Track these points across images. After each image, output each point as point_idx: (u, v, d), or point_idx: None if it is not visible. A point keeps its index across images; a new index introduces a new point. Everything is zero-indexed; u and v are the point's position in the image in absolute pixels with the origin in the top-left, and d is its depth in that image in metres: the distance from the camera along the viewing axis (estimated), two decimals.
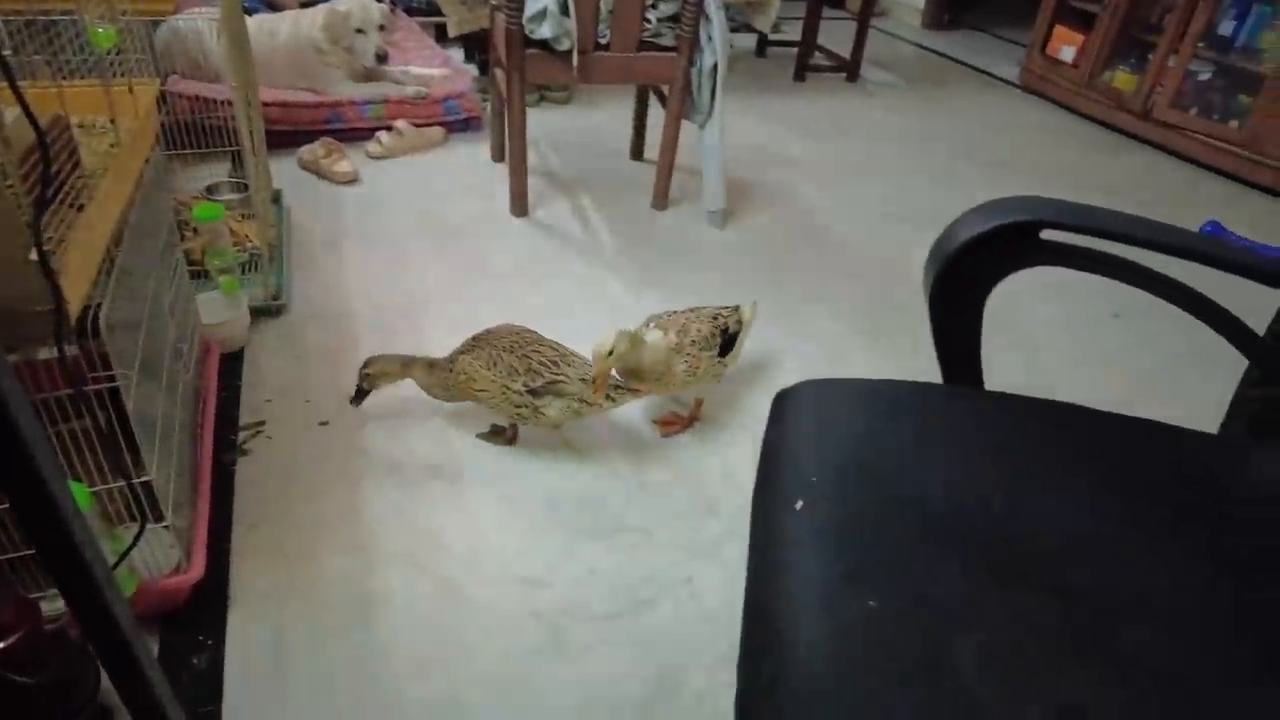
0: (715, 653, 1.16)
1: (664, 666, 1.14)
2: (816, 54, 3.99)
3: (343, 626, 1.17)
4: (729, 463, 1.51)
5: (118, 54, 1.21)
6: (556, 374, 1.41)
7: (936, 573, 0.64)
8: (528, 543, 1.32)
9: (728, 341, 1.54)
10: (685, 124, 2.33)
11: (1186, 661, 0.61)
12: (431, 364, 1.46)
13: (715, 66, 2.20)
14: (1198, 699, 0.58)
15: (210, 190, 2.16)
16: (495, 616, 1.20)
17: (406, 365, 1.46)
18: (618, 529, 1.36)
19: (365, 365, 1.45)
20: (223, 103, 2.14)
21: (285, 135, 2.61)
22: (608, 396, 1.42)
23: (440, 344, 1.79)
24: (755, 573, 0.69)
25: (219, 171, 2.26)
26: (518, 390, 1.39)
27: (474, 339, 1.46)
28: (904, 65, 4.33)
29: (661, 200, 2.45)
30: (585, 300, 1.99)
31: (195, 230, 1.83)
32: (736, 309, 1.61)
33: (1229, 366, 0.93)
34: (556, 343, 1.48)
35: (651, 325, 1.49)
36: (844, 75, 3.94)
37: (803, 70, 3.88)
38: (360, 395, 1.47)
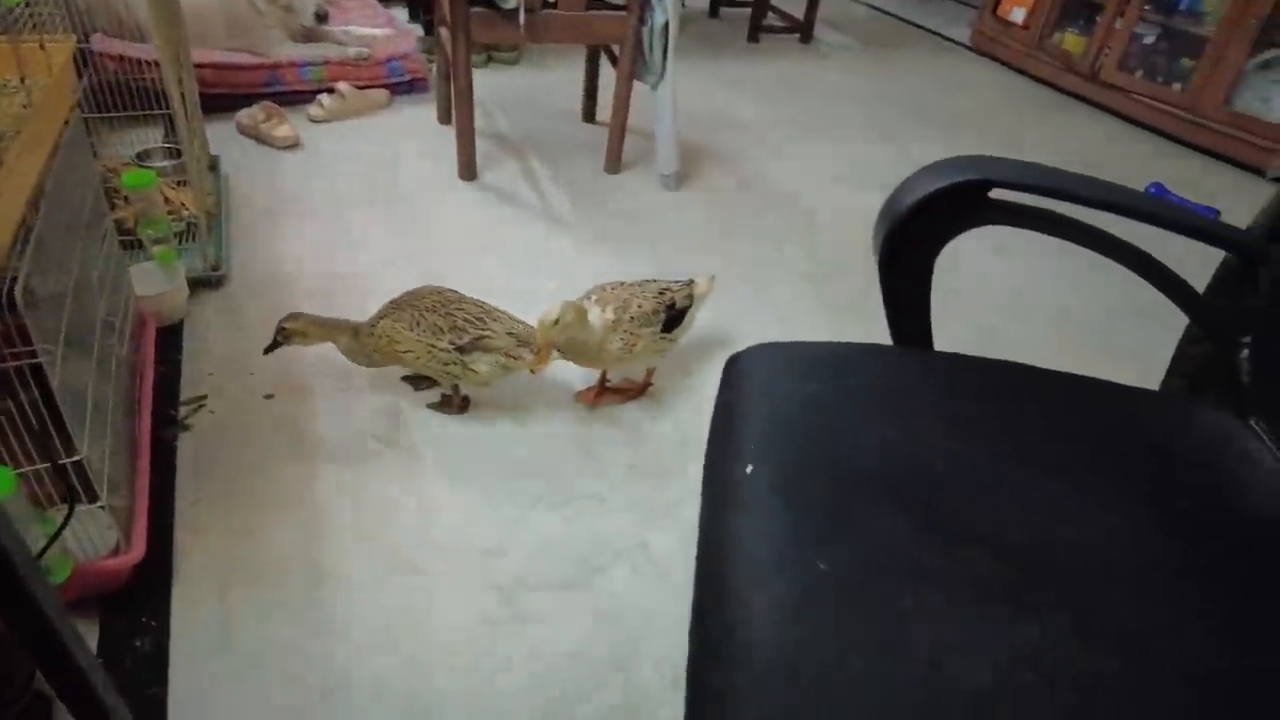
0: (672, 617, 1.16)
1: (621, 632, 1.14)
2: (770, 15, 3.94)
3: (293, 602, 1.14)
4: (682, 427, 1.51)
5: (26, 7, 1.13)
6: (483, 329, 1.39)
7: (886, 534, 0.64)
8: (480, 512, 1.30)
9: (675, 317, 1.51)
10: (638, 86, 2.28)
11: (1132, 613, 0.62)
12: (357, 329, 1.42)
13: (666, 25, 2.15)
14: (1144, 648, 0.59)
15: (142, 156, 2.07)
16: (450, 588, 1.18)
17: (329, 329, 1.41)
18: (571, 496, 1.35)
19: (285, 319, 1.40)
20: (152, 63, 2.04)
21: (222, 98, 2.50)
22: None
23: None
24: (707, 537, 0.68)
25: (151, 137, 2.15)
26: (444, 348, 1.37)
27: (393, 303, 1.43)
28: (857, 27, 4.31)
29: (614, 163, 2.42)
30: (537, 266, 1.95)
31: (126, 199, 1.75)
32: (690, 283, 1.58)
33: (1173, 325, 0.95)
34: (479, 300, 1.46)
35: (593, 298, 1.45)
36: (798, 36, 3.91)
37: (756, 31, 3.84)
38: (274, 347, 1.41)
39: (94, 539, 1.07)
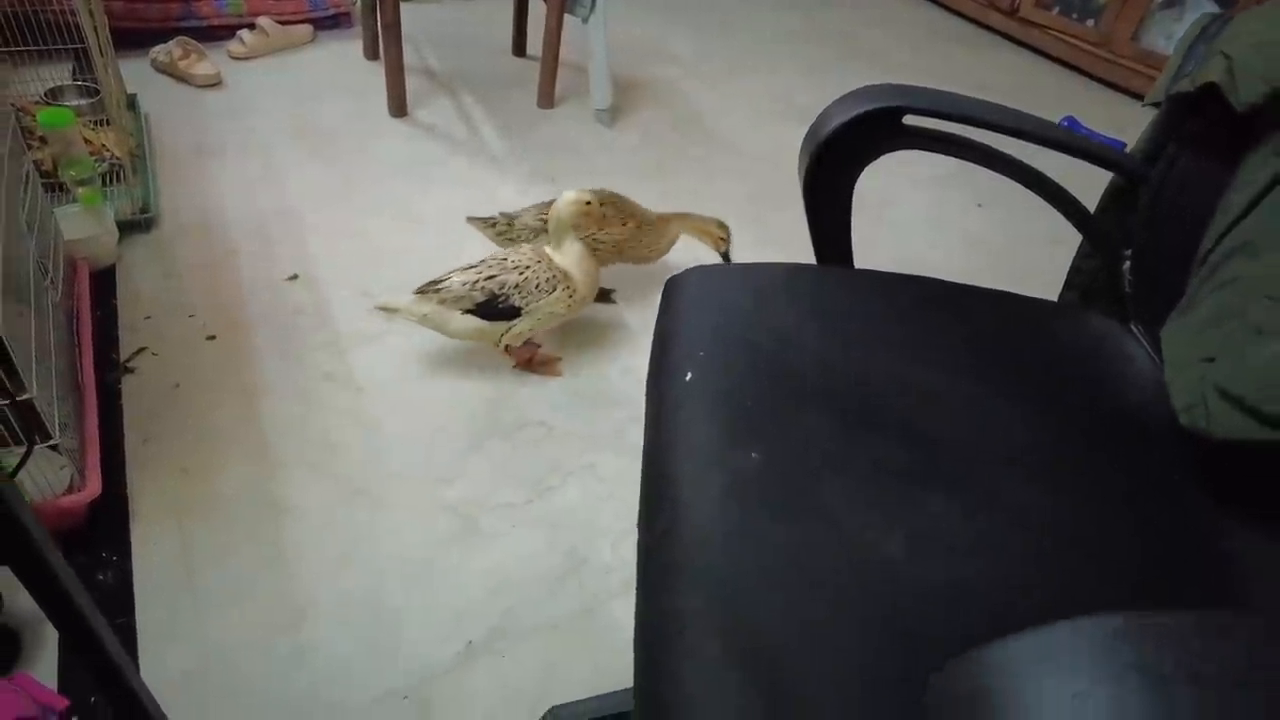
0: (620, 529, 1.24)
1: (573, 544, 1.21)
2: None
3: (251, 532, 1.18)
4: (625, 357, 1.57)
5: None
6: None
7: (810, 427, 0.72)
8: (432, 444, 1.35)
9: (503, 311, 1.39)
10: (568, 19, 2.27)
11: (1025, 489, 0.71)
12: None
13: None
14: (1032, 518, 0.69)
15: (53, 94, 1.99)
16: (405, 512, 1.24)
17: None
18: (520, 425, 1.40)
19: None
20: None
21: (133, 34, 2.39)
22: None
23: (324, 251, 1.76)
24: (651, 438, 0.75)
25: (59, 74, 2.06)
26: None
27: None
28: None
29: (547, 99, 2.41)
30: (473, 204, 1.96)
31: (43, 139, 1.69)
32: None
33: (1070, 247, 1.04)
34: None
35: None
36: None
37: None
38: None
39: (49, 479, 1.08)
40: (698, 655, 0.57)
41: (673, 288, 0.90)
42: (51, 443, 1.06)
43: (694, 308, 0.85)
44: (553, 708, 0.94)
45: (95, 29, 1.73)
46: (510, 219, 1.61)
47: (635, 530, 1.12)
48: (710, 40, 3.09)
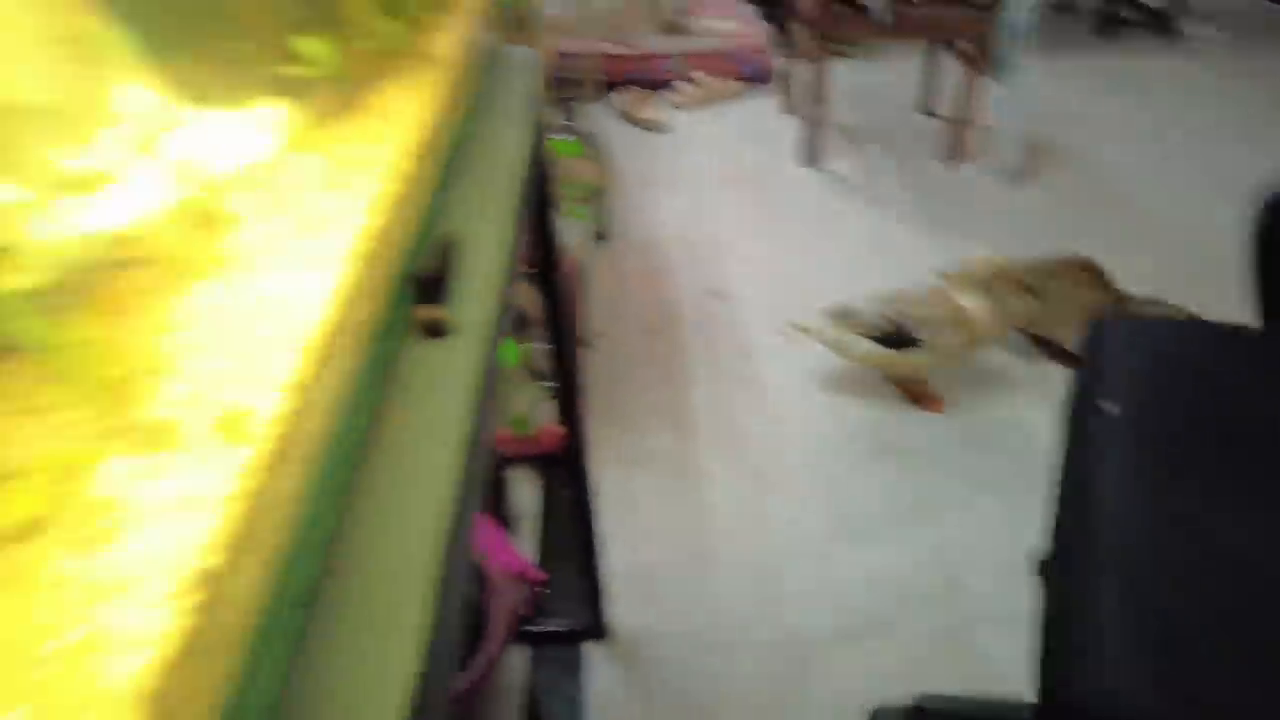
0: (996, 564, 1.30)
1: (950, 566, 1.31)
2: (1126, 7, 3.70)
3: (673, 488, 1.46)
4: (1007, 409, 1.61)
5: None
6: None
7: (1236, 472, 0.76)
8: (822, 448, 1.54)
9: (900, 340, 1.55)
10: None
11: None
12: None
13: (1021, 21, 2.20)
14: None
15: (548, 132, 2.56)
16: (793, 503, 1.43)
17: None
18: (904, 451, 1.53)
19: None
20: (562, 54, 2.53)
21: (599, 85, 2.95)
22: None
23: (741, 273, 2.04)
24: (1070, 459, 0.84)
25: (551, 117, 2.63)
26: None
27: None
28: (1233, 19, 3.89)
29: (953, 156, 2.50)
30: (875, 250, 2.12)
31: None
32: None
33: None
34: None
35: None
36: (1155, 28, 3.63)
37: (1106, 23, 3.64)
38: None
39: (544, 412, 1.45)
40: (1108, 632, 0.67)
41: (1098, 332, 0.98)
42: (550, 384, 1.42)
43: (1123, 351, 0.93)
44: (925, 693, 1.05)
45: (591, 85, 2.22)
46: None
47: (1012, 573, 1.20)
48: (1128, 103, 2.95)
